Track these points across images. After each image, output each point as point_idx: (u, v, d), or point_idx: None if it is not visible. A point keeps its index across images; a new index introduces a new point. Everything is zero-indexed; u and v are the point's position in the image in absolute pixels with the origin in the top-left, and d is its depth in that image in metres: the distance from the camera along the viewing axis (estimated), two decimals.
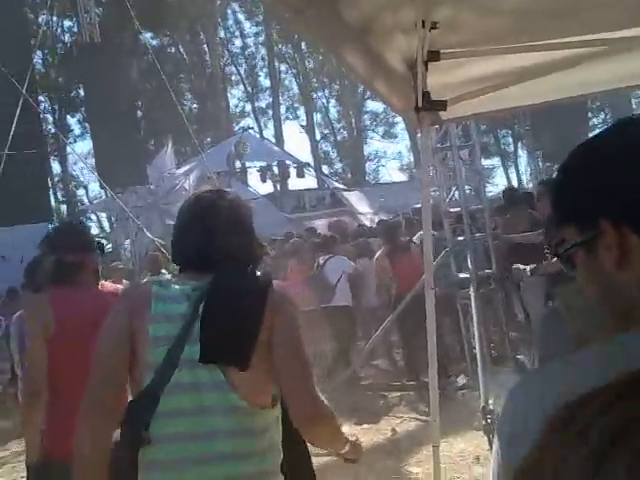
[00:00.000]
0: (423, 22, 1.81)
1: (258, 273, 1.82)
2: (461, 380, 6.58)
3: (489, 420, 5.03)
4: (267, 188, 19.57)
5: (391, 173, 34.74)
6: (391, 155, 48.35)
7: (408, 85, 2.23)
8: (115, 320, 1.75)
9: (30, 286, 3.86)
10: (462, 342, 7.06)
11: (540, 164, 17.26)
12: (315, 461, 2.00)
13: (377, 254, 7.58)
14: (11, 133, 7.65)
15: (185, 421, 1.65)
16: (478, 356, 5.90)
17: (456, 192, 7.21)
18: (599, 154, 0.77)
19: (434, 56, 2.12)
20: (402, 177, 31.78)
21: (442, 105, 2.34)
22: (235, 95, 34.34)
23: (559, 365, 0.76)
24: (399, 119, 31.56)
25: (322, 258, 7.61)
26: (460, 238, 6.68)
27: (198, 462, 1.65)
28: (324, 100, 33.50)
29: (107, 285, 2.94)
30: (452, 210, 6.95)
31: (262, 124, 32.14)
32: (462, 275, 6.64)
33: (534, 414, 0.64)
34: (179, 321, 1.69)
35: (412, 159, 30.22)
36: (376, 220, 14.35)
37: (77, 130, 28.73)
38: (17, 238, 13.03)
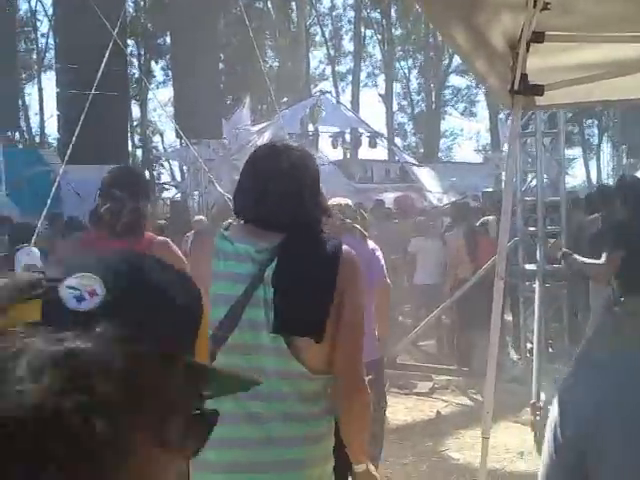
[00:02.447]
0: (535, 1, 1.70)
1: (328, 239, 1.78)
2: (513, 372, 6.45)
3: (538, 417, 4.94)
4: (337, 154, 19.44)
5: (465, 153, 33.99)
6: (468, 134, 47.18)
7: (506, 66, 2.13)
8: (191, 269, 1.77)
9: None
10: (519, 334, 6.91)
11: (624, 159, 16.50)
12: None
13: (450, 233, 7.46)
14: (99, 74, 7.81)
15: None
16: (535, 351, 5.76)
17: (533, 180, 6.95)
18: None
19: (538, 37, 2.01)
20: (476, 158, 31.07)
21: (539, 90, 2.22)
22: (317, 57, 34.16)
23: (617, 361, 0.73)
24: (481, 97, 30.77)
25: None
26: (532, 228, 6.47)
27: (249, 420, 1.67)
28: (406, 70, 32.90)
29: (149, 236, 2.87)
30: (527, 199, 6.71)
31: (340, 89, 31.91)
32: (528, 266, 6.45)
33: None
34: (241, 282, 1.67)
35: (489, 141, 29.43)
36: (444, 200, 14.14)
37: (160, 77, 29.29)
38: (92, 177, 13.49)
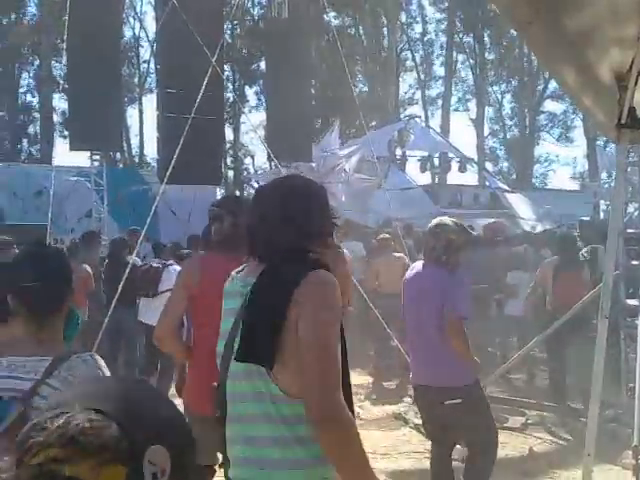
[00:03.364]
0: None
1: (301, 266, 1.76)
2: (613, 412, 6.08)
3: None
4: (425, 179, 19.26)
5: (561, 180, 32.86)
6: (563, 160, 45.97)
7: (614, 100, 2.07)
8: None
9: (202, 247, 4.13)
10: (620, 373, 6.52)
11: None
12: None
13: (545, 261, 7.18)
14: (198, 98, 8.12)
15: (240, 405, 1.80)
16: (637, 391, 5.41)
17: (636, 211, 6.60)
18: None
19: None
20: (572, 185, 29.93)
21: None
22: (406, 81, 34.16)
23: None
24: (578, 123, 29.78)
25: None
26: (634, 262, 6.13)
27: (244, 442, 1.80)
28: (499, 95, 32.32)
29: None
30: (629, 231, 6.38)
31: (429, 113, 31.71)
32: (630, 302, 6.10)
33: None
34: (233, 316, 1.84)
35: (586, 167, 28.33)
36: (537, 228, 13.65)
37: (253, 101, 30.19)
38: (187, 196, 13.99)
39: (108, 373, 1.72)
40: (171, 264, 6.92)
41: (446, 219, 3.93)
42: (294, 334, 1.67)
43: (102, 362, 1.74)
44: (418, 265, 3.97)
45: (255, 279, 1.80)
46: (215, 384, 1.91)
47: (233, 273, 1.98)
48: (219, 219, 2.91)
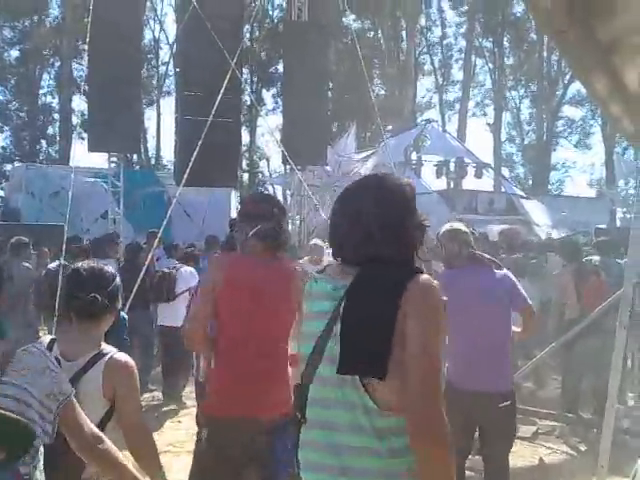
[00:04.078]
0: None
1: (400, 271, 1.72)
2: (626, 423, 6.02)
3: None
4: (440, 184, 19.18)
5: (578, 186, 32.59)
6: (581, 167, 45.23)
7: None
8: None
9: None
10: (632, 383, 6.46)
11: None
12: None
13: (558, 271, 7.12)
14: (217, 101, 8.18)
15: (326, 411, 1.73)
16: None
17: None
18: None
19: None
20: (589, 193, 29.66)
21: None
22: (424, 85, 34.08)
23: None
24: (597, 129, 29.50)
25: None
26: None
27: (326, 449, 1.73)
28: (517, 100, 32.14)
29: (286, 260, 3.01)
30: None
31: (446, 118, 31.61)
32: None
33: None
34: (323, 319, 1.74)
35: (604, 174, 28.07)
36: (553, 234, 13.56)
37: (270, 104, 30.28)
38: (202, 199, 14.07)
39: (54, 361, 1.76)
40: (181, 266, 7.07)
41: (459, 224, 3.92)
42: (400, 344, 1.62)
43: (47, 352, 1.77)
44: (449, 271, 3.85)
45: (346, 283, 1.72)
46: (296, 383, 1.83)
47: (315, 273, 1.86)
48: (266, 218, 2.83)
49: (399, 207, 1.80)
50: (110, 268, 2.33)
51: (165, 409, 7.00)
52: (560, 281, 6.95)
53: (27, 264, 7.28)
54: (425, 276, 1.70)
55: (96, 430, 1.92)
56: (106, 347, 2.11)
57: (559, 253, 7.78)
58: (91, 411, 2.00)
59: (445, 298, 1.75)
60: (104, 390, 2.14)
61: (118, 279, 2.31)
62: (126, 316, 4.07)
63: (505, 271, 3.73)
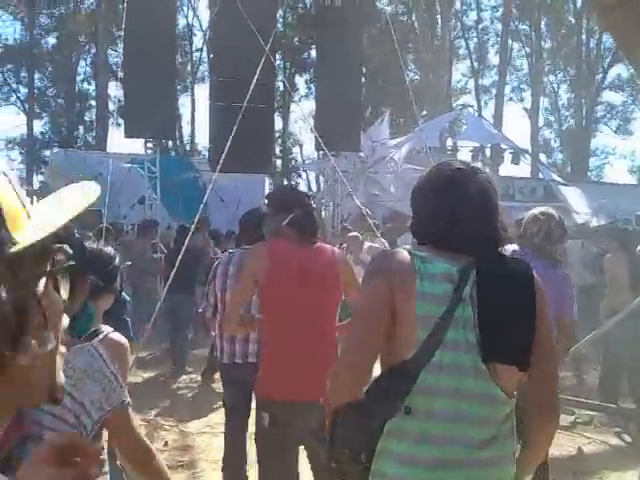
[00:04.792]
0: None
1: (515, 259, 1.83)
2: None
3: None
4: None
5: (618, 173, 31.85)
6: (621, 153, 44.06)
7: None
8: (377, 293, 1.72)
9: (245, 236, 4.11)
10: None
11: None
12: None
13: (607, 258, 6.95)
14: (251, 87, 8.17)
15: (442, 400, 1.67)
16: None
17: None
18: None
19: None
20: (630, 179, 28.97)
21: None
22: (459, 70, 33.57)
23: None
24: (637, 115, 28.76)
25: None
26: None
27: (449, 442, 1.67)
28: (555, 85, 31.44)
29: (325, 245, 3.09)
30: None
31: (482, 103, 31.13)
32: None
33: None
34: (444, 302, 1.67)
35: None
36: (592, 222, 13.27)
37: (302, 90, 30.19)
38: (237, 185, 14.12)
39: (110, 366, 1.79)
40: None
41: (551, 210, 3.86)
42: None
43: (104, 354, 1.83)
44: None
45: (463, 267, 1.69)
46: (385, 369, 1.73)
47: (418, 252, 1.74)
48: (300, 206, 2.94)
49: (495, 195, 1.83)
50: (109, 249, 2.32)
51: (201, 391, 7.12)
52: (610, 270, 6.77)
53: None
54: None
55: (148, 444, 1.90)
56: (103, 327, 2.14)
57: (606, 240, 7.57)
58: None
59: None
60: None
61: (117, 260, 2.32)
62: (128, 297, 4.09)
63: (562, 269, 3.67)
